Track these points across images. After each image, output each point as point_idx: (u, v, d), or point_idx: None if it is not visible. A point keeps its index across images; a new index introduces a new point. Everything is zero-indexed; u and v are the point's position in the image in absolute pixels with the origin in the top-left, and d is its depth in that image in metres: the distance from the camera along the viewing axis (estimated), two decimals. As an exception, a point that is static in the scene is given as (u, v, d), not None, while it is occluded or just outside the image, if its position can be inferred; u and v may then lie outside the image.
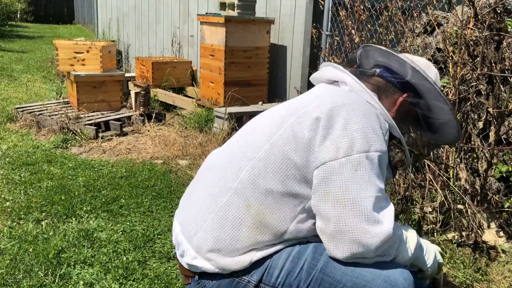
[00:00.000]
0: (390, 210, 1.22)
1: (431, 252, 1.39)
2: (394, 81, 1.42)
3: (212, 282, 1.30)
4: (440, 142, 1.57)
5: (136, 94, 4.84)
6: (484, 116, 2.45)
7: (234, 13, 4.49)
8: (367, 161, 1.20)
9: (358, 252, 1.19)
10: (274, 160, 1.26)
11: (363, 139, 1.21)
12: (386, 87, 1.42)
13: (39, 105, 4.78)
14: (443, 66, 2.78)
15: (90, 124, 4.21)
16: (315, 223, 1.26)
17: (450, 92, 2.50)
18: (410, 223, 2.44)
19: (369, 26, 3.26)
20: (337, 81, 1.44)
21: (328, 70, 1.46)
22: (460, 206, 2.44)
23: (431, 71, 1.45)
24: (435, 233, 2.47)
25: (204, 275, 1.31)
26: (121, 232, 2.47)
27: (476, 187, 2.42)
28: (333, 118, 1.24)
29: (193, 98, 5.12)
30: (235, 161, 1.33)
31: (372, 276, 1.21)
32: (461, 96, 2.43)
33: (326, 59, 3.99)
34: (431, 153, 2.46)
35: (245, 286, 1.26)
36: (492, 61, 2.28)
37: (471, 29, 2.37)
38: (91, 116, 4.48)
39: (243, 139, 1.40)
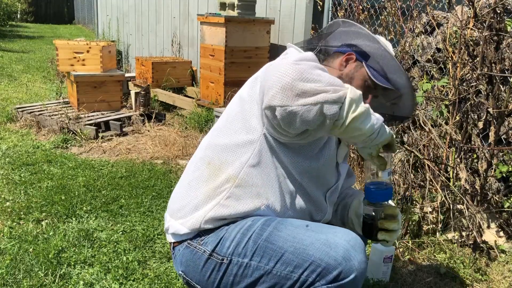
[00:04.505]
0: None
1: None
2: (336, 49, 1.53)
3: (180, 250, 1.42)
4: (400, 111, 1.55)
5: (136, 94, 4.84)
6: (484, 116, 2.45)
7: (234, 13, 4.49)
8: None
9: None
10: (224, 122, 1.42)
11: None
12: (330, 56, 1.52)
13: (39, 105, 4.78)
14: (443, 66, 2.78)
15: (90, 124, 4.21)
16: (264, 169, 1.35)
17: (450, 92, 2.50)
18: (410, 223, 2.44)
19: (368, 26, 3.26)
20: None
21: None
22: (460, 206, 2.44)
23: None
24: (435, 233, 2.47)
25: (176, 244, 1.44)
26: (121, 232, 2.47)
27: (476, 187, 2.42)
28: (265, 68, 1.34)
29: (193, 98, 5.12)
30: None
31: (311, 240, 1.24)
32: (461, 96, 2.43)
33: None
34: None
35: (201, 256, 1.37)
36: (492, 61, 2.28)
37: (471, 29, 2.37)
38: (91, 116, 4.48)
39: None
